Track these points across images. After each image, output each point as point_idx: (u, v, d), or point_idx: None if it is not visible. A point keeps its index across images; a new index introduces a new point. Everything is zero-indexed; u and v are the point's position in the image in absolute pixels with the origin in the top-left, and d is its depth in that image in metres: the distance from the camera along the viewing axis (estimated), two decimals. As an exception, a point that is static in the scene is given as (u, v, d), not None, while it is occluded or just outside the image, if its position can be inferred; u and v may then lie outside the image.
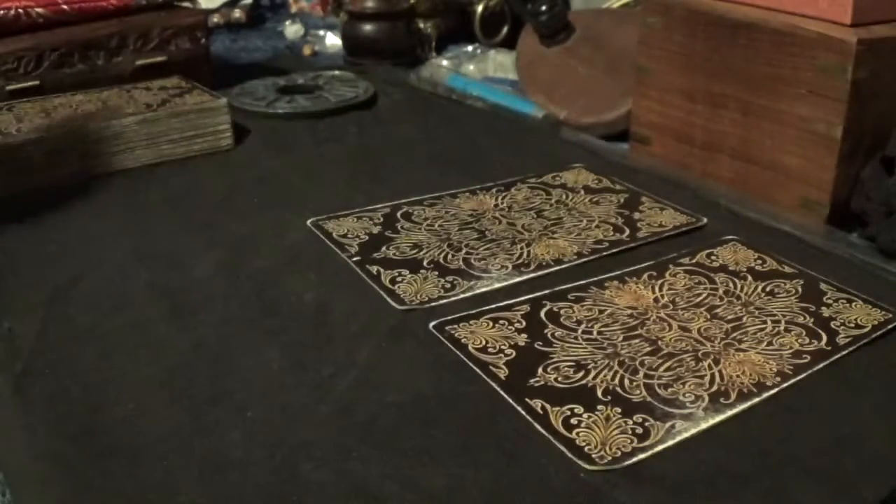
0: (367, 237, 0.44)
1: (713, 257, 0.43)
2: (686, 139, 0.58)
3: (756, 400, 0.32)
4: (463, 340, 0.35)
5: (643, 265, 0.42)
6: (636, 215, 0.48)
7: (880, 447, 0.29)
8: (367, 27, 0.80)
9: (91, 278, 0.39)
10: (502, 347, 0.35)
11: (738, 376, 0.33)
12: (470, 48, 0.88)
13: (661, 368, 0.34)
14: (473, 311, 0.38)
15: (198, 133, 0.57)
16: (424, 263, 0.42)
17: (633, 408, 0.31)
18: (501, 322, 0.37)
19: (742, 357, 0.35)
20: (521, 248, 0.43)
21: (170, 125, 0.56)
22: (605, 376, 0.33)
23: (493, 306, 0.38)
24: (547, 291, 0.40)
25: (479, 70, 0.83)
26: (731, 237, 0.45)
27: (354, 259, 0.42)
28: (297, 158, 0.56)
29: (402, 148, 0.58)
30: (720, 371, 0.34)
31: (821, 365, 0.34)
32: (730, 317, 0.38)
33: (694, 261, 0.43)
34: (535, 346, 0.35)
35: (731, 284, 0.40)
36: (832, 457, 0.29)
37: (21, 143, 0.50)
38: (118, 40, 0.63)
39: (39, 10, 0.60)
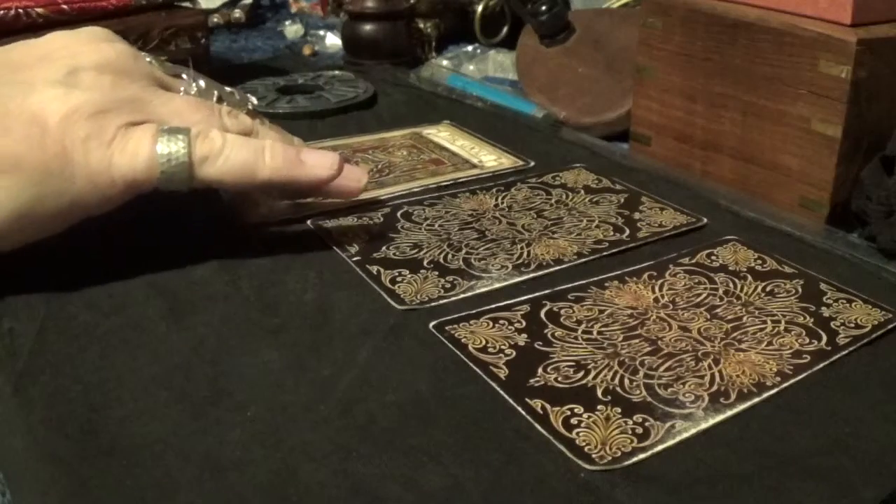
0: (367, 237, 0.44)
1: (713, 257, 0.43)
2: (686, 139, 0.58)
3: (756, 400, 0.32)
4: (463, 340, 0.35)
5: (643, 265, 0.42)
6: (636, 215, 0.48)
7: (880, 447, 0.30)
8: (367, 27, 0.80)
9: (90, 276, 0.39)
10: (502, 347, 0.35)
11: (738, 376, 0.33)
12: (470, 48, 0.88)
13: (661, 368, 0.34)
14: (473, 311, 0.38)
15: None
16: (424, 263, 0.42)
17: (633, 408, 0.31)
18: (501, 322, 0.37)
19: (742, 357, 0.35)
20: (521, 248, 0.43)
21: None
22: (605, 376, 0.33)
23: (493, 306, 0.38)
24: (547, 291, 0.40)
25: (479, 70, 0.83)
26: (731, 237, 0.45)
27: (354, 259, 0.42)
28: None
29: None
30: (720, 371, 0.34)
31: (821, 365, 0.34)
32: (730, 317, 0.38)
33: (694, 261, 0.43)
34: (536, 346, 0.35)
35: (731, 284, 0.40)
36: (832, 457, 0.29)
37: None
38: (118, 40, 0.63)
39: (39, 10, 0.61)
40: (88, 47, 0.40)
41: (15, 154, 0.35)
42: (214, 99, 0.43)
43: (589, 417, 0.31)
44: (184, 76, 0.44)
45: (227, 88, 0.45)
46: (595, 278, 0.41)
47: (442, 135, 0.60)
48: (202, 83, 0.44)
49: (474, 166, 0.55)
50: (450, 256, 0.43)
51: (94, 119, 0.36)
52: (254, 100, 0.47)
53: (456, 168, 0.54)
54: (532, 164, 0.55)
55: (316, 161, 0.41)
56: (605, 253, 0.43)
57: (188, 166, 0.38)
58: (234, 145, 0.39)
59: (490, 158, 0.56)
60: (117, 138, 0.37)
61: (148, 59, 0.42)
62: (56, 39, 0.41)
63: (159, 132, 0.38)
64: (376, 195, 0.50)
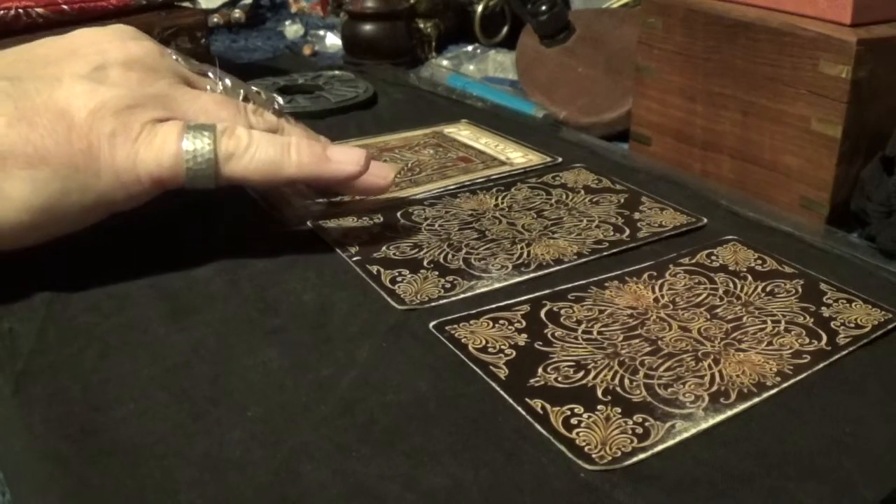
0: (367, 237, 0.44)
1: (713, 257, 0.43)
2: (686, 139, 0.58)
3: (756, 400, 0.32)
4: (463, 340, 0.35)
5: (643, 265, 0.42)
6: (636, 215, 0.48)
7: (880, 447, 0.30)
8: (367, 27, 0.80)
9: (90, 276, 0.39)
10: (502, 347, 0.35)
11: (738, 376, 0.33)
12: (470, 48, 0.88)
13: (661, 368, 0.34)
14: (473, 311, 0.38)
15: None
16: (424, 263, 0.42)
17: (633, 408, 0.31)
18: (501, 322, 0.37)
19: (742, 357, 0.35)
20: (521, 248, 0.43)
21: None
22: (605, 376, 0.33)
23: (493, 306, 0.38)
24: (547, 291, 0.40)
25: (479, 70, 0.83)
26: (731, 237, 0.45)
27: (354, 259, 0.42)
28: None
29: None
30: (720, 371, 0.34)
31: (821, 365, 0.34)
32: (730, 317, 0.38)
33: (694, 261, 0.43)
34: (535, 345, 0.35)
35: (731, 284, 0.40)
36: (832, 457, 0.29)
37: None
38: (118, 40, 0.63)
39: (39, 10, 0.60)
40: (116, 44, 0.40)
41: (41, 148, 0.35)
42: (240, 98, 0.43)
43: (589, 417, 0.31)
44: (210, 74, 0.44)
45: (253, 88, 0.45)
46: (595, 278, 0.41)
47: (464, 133, 0.60)
48: (228, 82, 0.44)
49: (503, 163, 0.55)
50: (450, 256, 0.43)
51: (121, 115, 0.36)
52: (280, 99, 0.47)
53: (486, 165, 0.54)
54: (560, 159, 0.56)
55: (342, 157, 0.41)
56: (605, 253, 0.43)
57: (214, 163, 0.37)
58: (261, 142, 0.39)
59: (517, 155, 0.56)
60: (143, 134, 0.37)
61: (175, 57, 0.42)
62: (83, 35, 0.40)
63: (185, 129, 0.37)
64: (412, 193, 0.50)
